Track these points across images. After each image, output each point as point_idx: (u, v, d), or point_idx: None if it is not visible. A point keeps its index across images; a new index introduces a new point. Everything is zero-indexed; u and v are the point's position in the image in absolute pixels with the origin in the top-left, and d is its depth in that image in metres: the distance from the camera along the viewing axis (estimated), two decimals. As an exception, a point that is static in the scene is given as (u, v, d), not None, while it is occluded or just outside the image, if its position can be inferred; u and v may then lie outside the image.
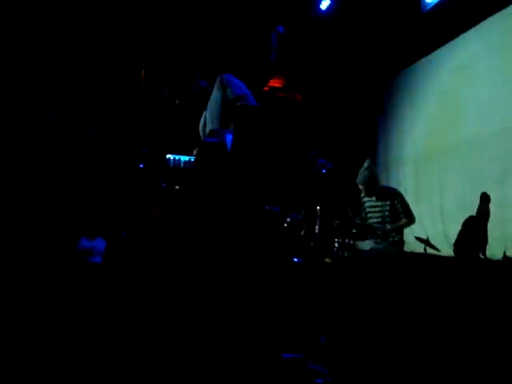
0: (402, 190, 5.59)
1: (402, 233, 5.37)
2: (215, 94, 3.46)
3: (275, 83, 7.18)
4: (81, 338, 3.47)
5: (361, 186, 5.39)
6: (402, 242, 5.31)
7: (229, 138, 3.14)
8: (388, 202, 5.31)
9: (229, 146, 3.16)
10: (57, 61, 6.04)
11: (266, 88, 6.89)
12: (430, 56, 7.38)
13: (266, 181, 3.41)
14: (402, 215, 5.28)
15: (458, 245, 6.11)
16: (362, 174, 5.42)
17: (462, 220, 6.10)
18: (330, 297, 4.56)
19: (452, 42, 6.91)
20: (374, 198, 5.42)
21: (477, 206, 5.93)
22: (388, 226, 5.26)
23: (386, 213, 5.31)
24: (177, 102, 3.62)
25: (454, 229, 6.20)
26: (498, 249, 5.55)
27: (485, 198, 5.87)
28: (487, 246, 5.77)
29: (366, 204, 5.50)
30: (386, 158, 8.05)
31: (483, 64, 6.28)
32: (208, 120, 3.59)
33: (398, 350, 4.10)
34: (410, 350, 4.09)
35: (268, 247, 4.26)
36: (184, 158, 3.51)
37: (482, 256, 5.77)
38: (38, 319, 3.88)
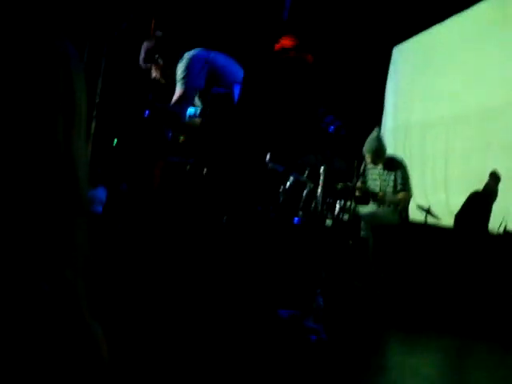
0: (407, 157, 5.55)
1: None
2: None
3: (287, 42, 7.06)
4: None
5: (368, 155, 5.34)
6: (404, 210, 5.30)
7: (237, 89, 3.10)
8: (393, 173, 5.28)
9: (236, 97, 3.12)
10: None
11: (277, 47, 6.77)
12: (444, 23, 7.23)
13: (272, 137, 3.37)
14: (400, 187, 5.24)
15: (459, 217, 6.09)
16: (369, 143, 5.35)
17: (465, 191, 6.07)
18: (329, 258, 4.56)
19: (468, 11, 6.76)
20: (379, 168, 5.37)
21: (481, 178, 5.89)
22: (386, 198, 5.24)
23: (391, 183, 5.28)
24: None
25: (457, 199, 6.17)
26: (499, 222, 5.53)
27: (493, 174, 5.80)
28: (489, 220, 5.75)
29: (371, 173, 5.46)
30: (395, 122, 7.96)
31: (497, 34, 6.16)
32: None
33: (391, 314, 4.13)
34: (404, 314, 4.11)
35: (269, 206, 4.25)
36: (190, 109, 3.46)
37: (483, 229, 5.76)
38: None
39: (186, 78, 3.31)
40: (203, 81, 3.35)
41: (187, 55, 3.41)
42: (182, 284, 3.18)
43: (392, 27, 7.81)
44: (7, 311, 0.48)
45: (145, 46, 3.57)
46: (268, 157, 4.07)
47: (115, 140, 3.59)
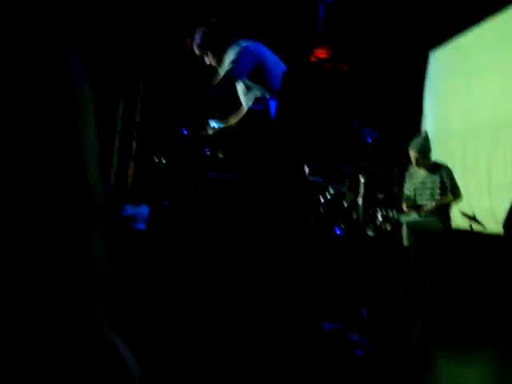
0: (449, 164, 5.48)
1: (448, 209, 5.29)
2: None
3: (322, 54, 7.06)
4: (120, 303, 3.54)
5: (414, 153, 5.28)
6: (448, 219, 5.23)
7: (273, 105, 3.12)
8: (438, 177, 5.23)
9: (273, 113, 3.14)
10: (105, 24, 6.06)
11: (312, 58, 6.79)
12: (482, 25, 7.08)
13: (310, 149, 3.38)
14: (450, 192, 5.20)
15: (504, 223, 5.96)
16: (418, 142, 5.32)
17: (509, 197, 5.93)
18: (371, 270, 4.52)
19: (508, 11, 6.61)
20: (423, 172, 5.33)
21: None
22: (433, 203, 5.17)
23: (437, 189, 5.23)
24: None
25: (502, 206, 6.03)
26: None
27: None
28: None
29: (415, 179, 5.41)
30: (434, 130, 7.84)
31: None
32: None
33: (437, 325, 4.05)
34: (450, 324, 4.03)
35: (309, 218, 4.24)
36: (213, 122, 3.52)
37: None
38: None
39: (234, 65, 3.33)
40: (246, 73, 3.37)
41: (242, 43, 3.44)
42: (225, 296, 3.20)
43: (427, 31, 7.71)
44: (17, 332, 0.46)
45: (200, 31, 3.55)
46: (307, 169, 4.08)
47: (162, 158, 3.64)
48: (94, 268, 0.59)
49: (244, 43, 3.42)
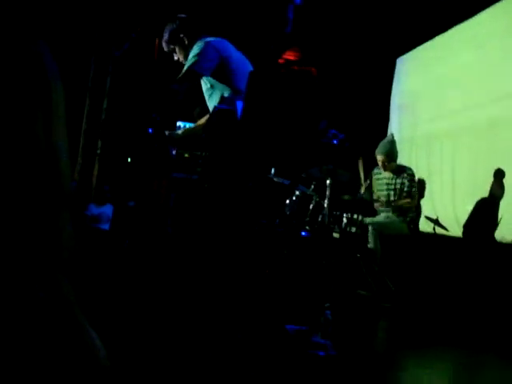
0: (414, 169, 5.55)
1: (414, 211, 5.36)
2: None
3: (290, 56, 7.08)
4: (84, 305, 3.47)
5: (380, 157, 5.34)
6: (412, 221, 5.29)
7: (240, 105, 3.10)
8: (400, 178, 5.30)
9: (239, 113, 3.12)
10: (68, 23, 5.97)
11: (281, 60, 6.80)
12: (446, 33, 7.22)
13: (276, 151, 3.37)
14: (405, 194, 5.27)
15: (467, 226, 6.05)
16: (384, 146, 5.37)
17: (472, 201, 6.03)
18: (336, 271, 4.54)
19: (469, 20, 6.75)
20: (388, 175, 5.38)
21: (489, 188, 5.84)
22: (392, 204, 5.25)
23: (398, 187, 5.30)
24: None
25: (465, 210, 6.13)
26: (508, 232, 5.48)
27: (498, 177, 5.75)
28: (497, 229, 5.70)
29: (380, 180, 5.46)
30: (400, 134, 7.95)
31: (501, 43, 6.14)
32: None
33: (401, 326, 4.09)
34: (414, 327, 4.08)
35: (274, 220, 4.24)
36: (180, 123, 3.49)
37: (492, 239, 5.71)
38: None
39: (195, 59, 3.27)
40: (209, 70, 3.33)
41: (206, 39, 3.39)
42: (188, 300, 3.16)
43: (395, 38, 7.82)
44: (5, 318, 0.48)
45: (168, 27, 3.53)
46: (273, 171, 4.07)
47: (128, 158, 3.59)
48: (63, 251, 0.59)
49: (208, 39, 3.39)
